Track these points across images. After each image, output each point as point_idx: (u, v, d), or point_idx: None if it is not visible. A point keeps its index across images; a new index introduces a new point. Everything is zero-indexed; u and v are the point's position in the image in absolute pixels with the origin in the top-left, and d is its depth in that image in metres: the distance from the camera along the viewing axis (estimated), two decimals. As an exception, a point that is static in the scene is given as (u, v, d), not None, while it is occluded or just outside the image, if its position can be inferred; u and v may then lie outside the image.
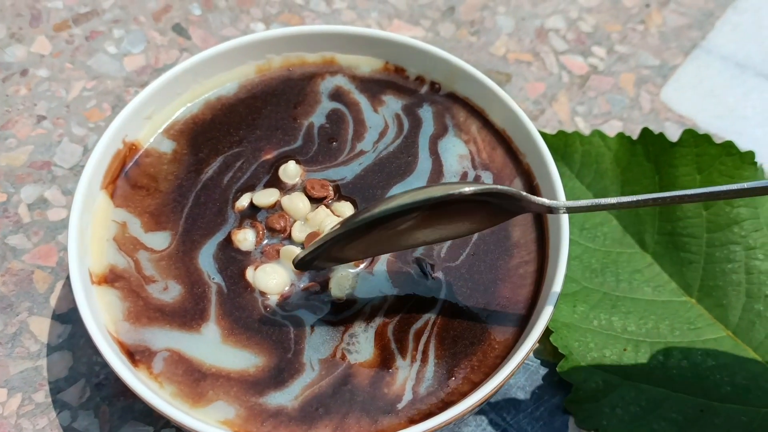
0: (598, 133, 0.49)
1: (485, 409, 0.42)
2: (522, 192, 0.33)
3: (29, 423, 0.41)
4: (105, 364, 0.42)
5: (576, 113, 0.53)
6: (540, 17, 0.57)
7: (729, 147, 0.45)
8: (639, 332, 0.43)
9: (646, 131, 0.47)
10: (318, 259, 0.34)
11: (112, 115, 0.51)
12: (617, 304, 0.43)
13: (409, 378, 0.35)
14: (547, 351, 0.43)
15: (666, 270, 0.45)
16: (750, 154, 0.45)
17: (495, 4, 0.58)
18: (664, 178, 0.46)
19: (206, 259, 0.37)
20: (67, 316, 0.44)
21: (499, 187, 0.32)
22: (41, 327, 0.43)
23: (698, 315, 0.43)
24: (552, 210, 0.33)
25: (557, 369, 0.42)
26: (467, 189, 0.31)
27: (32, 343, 0.43)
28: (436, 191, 0.32)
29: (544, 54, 0.55)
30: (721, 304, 0.43)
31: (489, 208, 0.33)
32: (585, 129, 0.52)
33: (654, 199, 0.33)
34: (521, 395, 0.42)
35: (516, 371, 0.33)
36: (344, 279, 0.37)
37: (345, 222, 0.33)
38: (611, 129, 0.52)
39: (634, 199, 0.33)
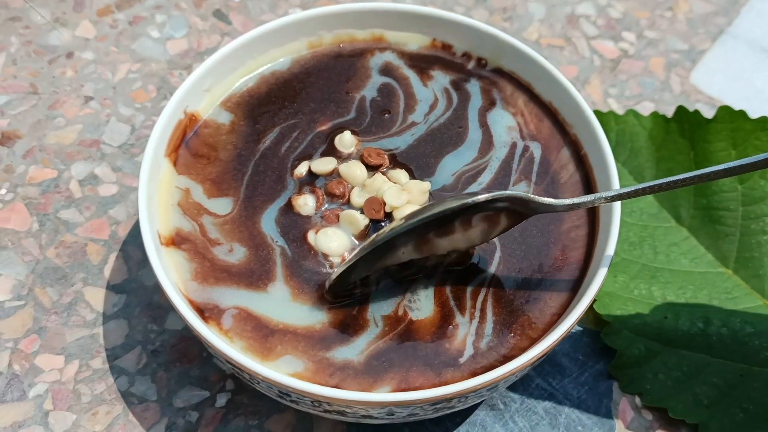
0: (632, 113, 0.50)
1: (531, 375, 0.43)
2: (529, 195, 0.35)
3: (87, 388, 0.42)
4: (161, 332, 0.43)
5: (608, 95, 0.54)
6: (570, 4, 0.59)
7: (764, 122, 0.46)
8: (678, 301, 0.44)
9: (681, 109, 0.48)
10: (351, 277, 0.36)
11: (158, 96, 0.52)
12: (656, 275, 0.45)
13: (469, 334, 0.36)
14: (590, 319, 0.44)
15: (702, 243, 0.46)
16: (784, 129, 0.46)
17: (526, -8, 0.59)
18: (699, 154, 0.47)
19: (268, 223, 0.38)
20: (122, 287, 0.45)
21: (508, 193, 0.35)
22: (96, 297, 0.44)
23: (735, 285, 0.45)
24: (557, 208, 0.36)
25: (601, 335, 0.43)
26: (480, 197, 0.34)
27: (88, 312, 0.44)
28: (453, 203, 0.34)
29: (576, 39, 0.57)
30: (757, 275, 0.44)
31: (506, 212, 0.35)
32: (618, 110, 0.54)
33: (660, 185, 0.34)
34: (566, 362, 0.43)
35: (575, 325, 0.34)
36: None
37: (371, 241, 0.35)
38: (643, 110, 0.53)
39: (636, 188, 0.35)
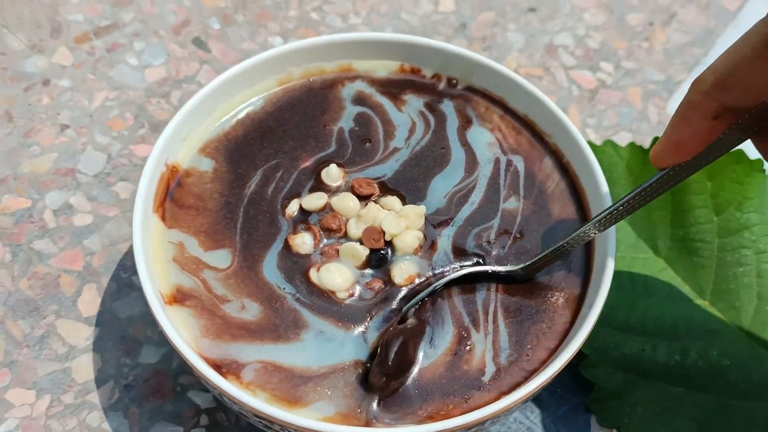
0: (609, 143, 0.50)
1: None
2: (490, 267, 0.38)
3: (58, 424, 0.41)
4: (134, 366, 0.43)
5: (587, 125, 0.55)
6: (549, 34, 0.59)
7: (738, 155, 0.46)
8: (656, 332, 0.44)
9: (658, 140, 0.48)
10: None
11: (135, 124, 0.52)
12: (634, 306, 0.45)
13: (486, 350, 0.36)
14: (568, 352, 0.44)
15: (679, 274, 0.46)
16: (758, 162, 0.46)
17: (505, 21, 0.60)
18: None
19: (271, 271, 0.38)
20: (95, 319, 0.44)
21: (465, 272, 0.38)
22: (69, 329, 0.44)
23: (712, 317, 0.45)
24: (516, 273, 0.38)
25: (579, 368, 0.43)
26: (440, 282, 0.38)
27: (60, 346, 0.43)
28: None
29: (554, 69, 0.57)
30: (733, 307, 0.45)
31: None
32: (596, 140, 0.54)
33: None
34: (544, 395, 0.43)
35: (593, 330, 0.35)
36: (405, 267, 0.38)
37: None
38: (621, 140, 0.54)
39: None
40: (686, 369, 0.43)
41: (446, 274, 0.38)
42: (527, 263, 0.38)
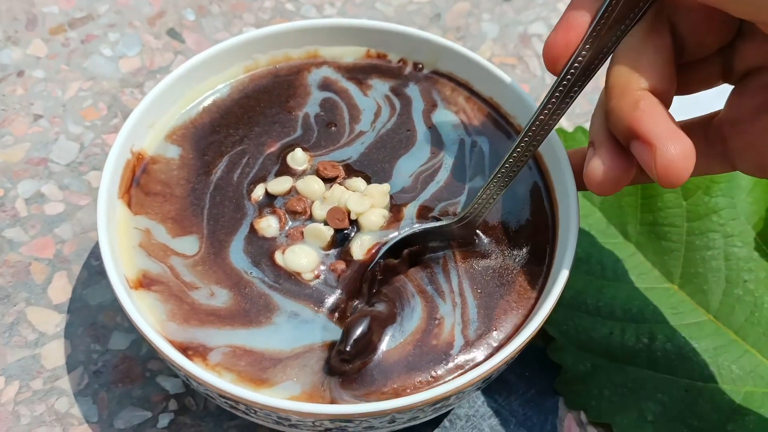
0: (580, 129, 0.51)
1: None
2: (423, 226, 0.39)
3: (27, 410, 0.41)
4: (104, 352, 0.43)
5: (559, 113, 0.55)
6: (523, 24, 0.59)
7: (706, 139, 0.47)
8: (624, 316, 0.44)
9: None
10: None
11: (109, 114, 0.52)
12: (602, 291, 0.45)
13: (456, 323, 0.36)
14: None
15: (649, 258, 0.46)
16: (726, 146, 0.47)
17: (480, 12, 0.60)
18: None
19: (238, 255, 0.38)
20: (65, 306, 0.44)
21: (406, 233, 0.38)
22: (39, 316, 0.44)
23: (681, 300, 0.45)
24: (451, 227, 0.39)
25: (547, 352, 0.43)
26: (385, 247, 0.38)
27: (30, 332, 0.43)
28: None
29: (528, 58, 0.57)
30: (702, 290, 0.45)
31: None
32: (567, 127, 0.54)
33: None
34: (512, 378, 0.43)
35: (555, 306, 0.35)
36: (365, 241, 0.38)
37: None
38: (593, 127, 0.54)
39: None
40: (654, 352, 0.43)
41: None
42: (462, 214, 0.38)
